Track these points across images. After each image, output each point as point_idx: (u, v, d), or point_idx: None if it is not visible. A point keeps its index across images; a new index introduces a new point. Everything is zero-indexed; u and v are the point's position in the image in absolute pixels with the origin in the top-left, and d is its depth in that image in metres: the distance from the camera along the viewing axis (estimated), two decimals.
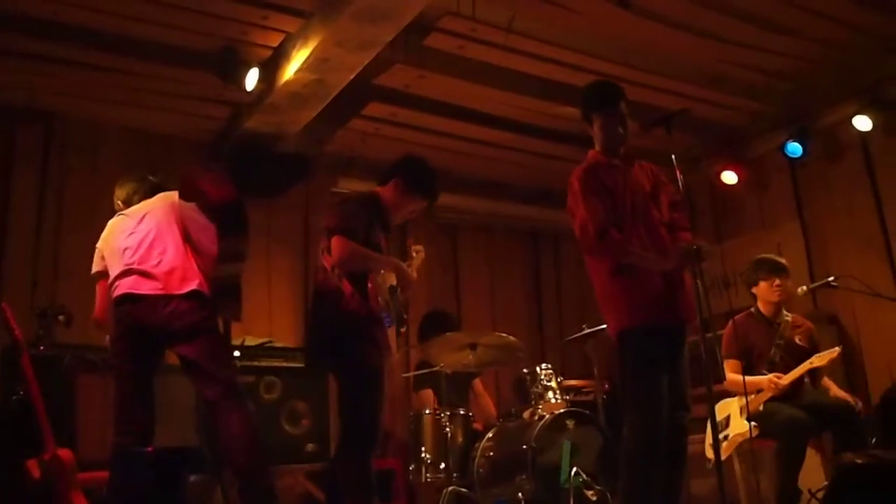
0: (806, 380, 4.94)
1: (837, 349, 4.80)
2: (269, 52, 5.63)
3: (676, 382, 3.71)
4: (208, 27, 5.30)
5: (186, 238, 3.91)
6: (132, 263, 3.84)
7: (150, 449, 3.83)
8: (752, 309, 5.13)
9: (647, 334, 3.66)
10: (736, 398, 4.97)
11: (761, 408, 4.71)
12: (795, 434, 4.54)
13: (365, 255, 3.89)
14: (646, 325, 3.66)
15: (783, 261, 5.14)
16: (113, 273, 3.90)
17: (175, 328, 3.73)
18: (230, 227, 3.87)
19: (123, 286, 3.82)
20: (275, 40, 5.52)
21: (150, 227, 3.95)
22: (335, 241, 3.85)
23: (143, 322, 3.76)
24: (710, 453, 4.83)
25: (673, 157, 3.74)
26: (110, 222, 4.14)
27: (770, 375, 4.78)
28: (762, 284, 5.04)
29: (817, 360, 4.76)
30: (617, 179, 3.82)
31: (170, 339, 3.79)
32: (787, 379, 4.75)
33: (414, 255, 4.52)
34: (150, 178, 4.35)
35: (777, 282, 4.99)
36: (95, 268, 4.07)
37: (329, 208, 4.17)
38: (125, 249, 3.90)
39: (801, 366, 4.78)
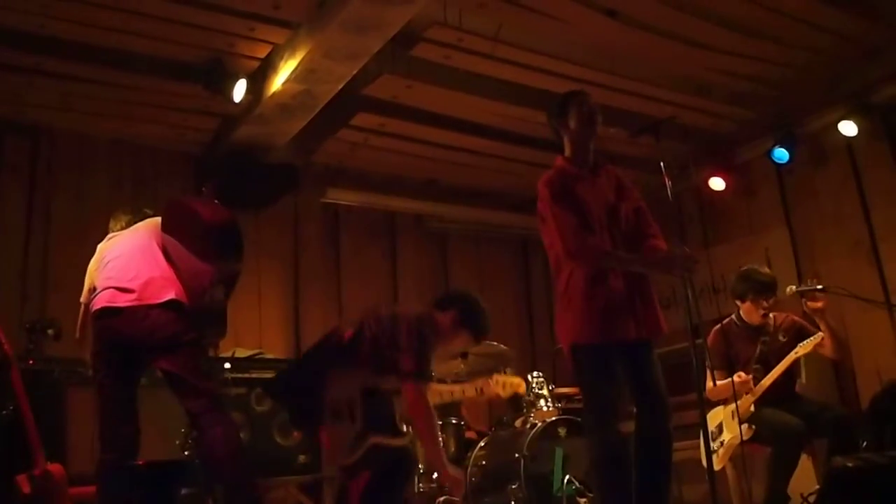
0: (802, 381, 4.94)
1: (821, 334, 4.73)
2: (256, 64, 5.63)
3: (652, 395, 3.69)
4: (195, 39, 5.30)
5: (166, 254, 3.92)
6: (110, 279, 3.86)
7: (140, 462, 3.83)
8: (734, 316, 5.10)
9: (601, 349, 3.64)
10: (723, 406, 4.97)
11: (752, 409, 4.71)
12: (790, 440, 4.54)
13: (435, 429, 3.66)
14: (601, 341, 3.64)
15: (771, 276, 5.03)
16: (93, 292, 3.93)
17: (155, 341, 3.72)
18: (225, 249, 3.85)
19: (101, 300, 3.83)
20: (262, 51, 5.53)
21: (131, 246, 3.99)
22: (413, 390, 3.59)
23: (123, 335, 3.75)
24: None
25: (662, 164, 3.76)
26: (99, 246, 4.19)
27: (735, 375, 4.74)
28: (748, 304, 5.00)
29: (801, 350, 4.73)
30: (583, 189, 3.81)
31: (150, 352, 3.77)
32: (767, 380, 4.74)
33: (501, 388, 4.45)
34: (147, 210, 4.37)
35: (765, 304, 4.95)
36: (83, 298, 4.12)
37: (399, 330, 3.72)
38: (105, 266, 3.94)
39: (787, 358, 4.75)
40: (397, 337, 3.68)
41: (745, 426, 4.66)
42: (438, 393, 4.28)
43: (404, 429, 3.77)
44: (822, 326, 4.75)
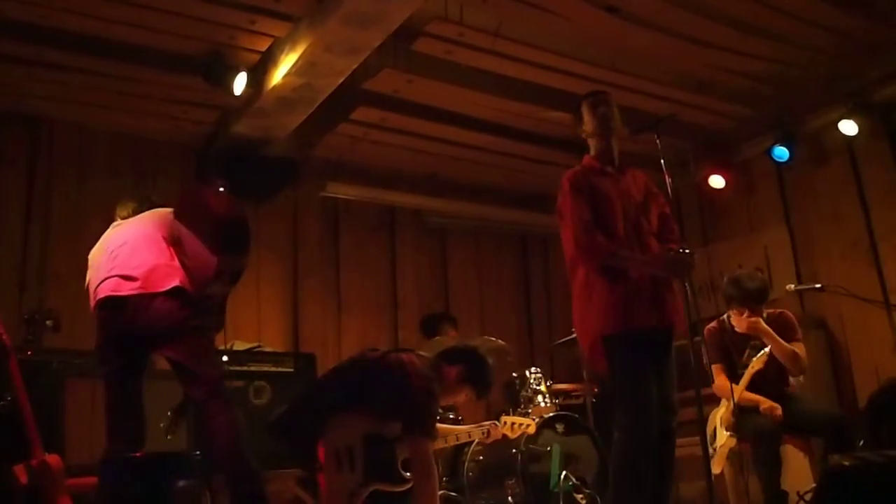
0: (800, 380, 4.93)
1: (767, 350, 4.70)
2: (257, 57, 5.62)
3: (663, 386, 3.72)
4: (196, 31, 5.30)
5: (172, 242, 3.90)
6: (113, 268, 3.84)
7: (139, 454, 3.82)
8: (725, 316, 5.10)
9: (634, 338, 3.67)
10: (718, 409, 4.97)
11: (732, 419, 4.73)
12: (765, 441, 4.56)
13: (434, 485, 3.70)
14: (632, 329, 3.67)
15: (759, 287, 4.91)
16: (96, 280, 3.90)
17: (159, 330, 3.70)
18: (233, 244, 3.84)
19: (104, 290, 3.80)
20: (263, 45, 5.52)
21: (135, 234, 3.96)
22: (423, 448, 3.67)
23: (127, 325, 3.73)
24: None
25: (662, 161, 3.76)
26: (104, 234, 4.16)
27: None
28: (732, 312, 4.98)
29: (757, 364, 4.73)
30: (609, 186, 3.84)
31: (154, 340, 3.75)
32: (738, 389, 4.70)
33: (510, 430, 4.50)
34: (152, 198, 4.36)
35: (746, 314, 4.91)
36: (87, 283, 4.10)
37: (409, 382, 3.76)
38: (108, 255, 3.92)
39: (746, 373, 4.72)
40: (406, 389, 3.73)
41: (727, 434, 4.70)
42: (444, 436, 4.28)
43: (406, 475, 3.77)
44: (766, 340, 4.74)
